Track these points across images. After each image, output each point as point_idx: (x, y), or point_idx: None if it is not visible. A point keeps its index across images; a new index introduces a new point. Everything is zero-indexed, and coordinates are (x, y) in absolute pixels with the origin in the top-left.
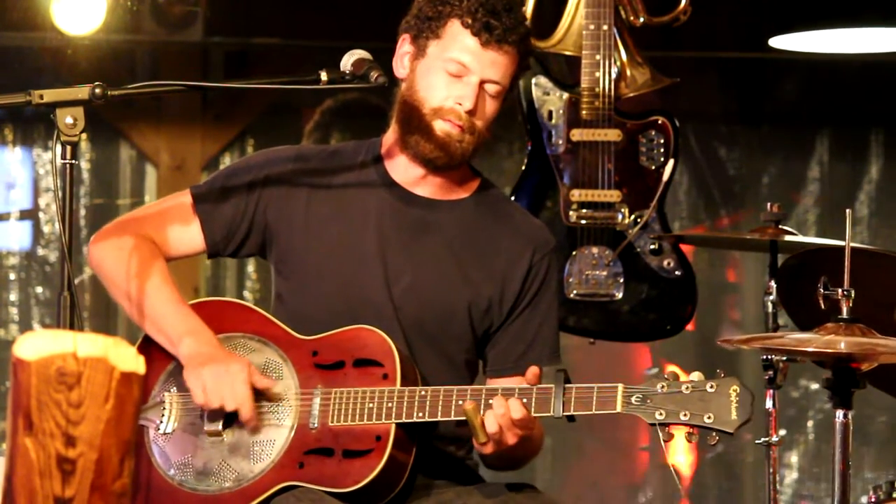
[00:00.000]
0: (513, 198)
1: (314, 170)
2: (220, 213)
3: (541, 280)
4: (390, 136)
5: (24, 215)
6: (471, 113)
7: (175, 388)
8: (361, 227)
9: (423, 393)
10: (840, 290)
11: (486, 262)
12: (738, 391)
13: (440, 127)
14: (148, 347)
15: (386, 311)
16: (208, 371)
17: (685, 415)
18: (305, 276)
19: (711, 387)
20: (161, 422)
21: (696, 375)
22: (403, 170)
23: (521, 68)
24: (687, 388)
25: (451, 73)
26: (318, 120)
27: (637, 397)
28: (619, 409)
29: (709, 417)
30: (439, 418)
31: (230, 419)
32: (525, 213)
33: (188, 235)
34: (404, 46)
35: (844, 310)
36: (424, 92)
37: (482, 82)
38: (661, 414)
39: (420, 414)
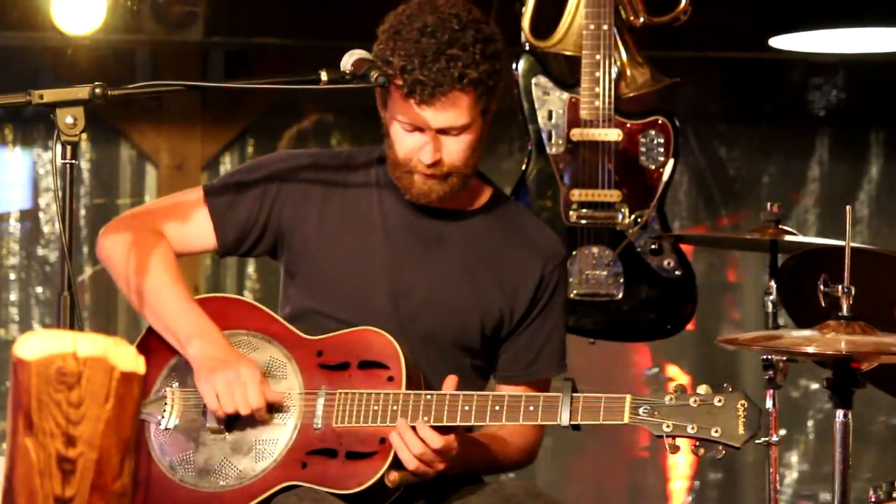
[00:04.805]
0: (513, 197)
1: (329, 176)
2: (233, 214)
3: (551, 291)
4: None
5: (24, 215)
6: (438, 163)
7: (177, 384)
8: (373, 239)
9: (428, 397)
10: (840, 288)
11: (497, 274)
12: (746, 405)
13: (417, 179)
14: (149, 342)
15: (391, 325)
16: (220, 377)
17: (692, 428)
18: (315, 282)
19: (719, 400)
20: (162, 417)
21: (704, 389)
22: None
23: (489, 90)
24: (695, 401)
25: (406, 130)
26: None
27: (645, 409)
28: (626, 420)
29: (716, 431)
30: (444, 423)
31: (233, 417)
32: (537, 223)
33: (200, 234)
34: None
35: (845, 307)
36: (394, 146)
37: (439, 131)
38: (668, 426)
39: (425, 418)
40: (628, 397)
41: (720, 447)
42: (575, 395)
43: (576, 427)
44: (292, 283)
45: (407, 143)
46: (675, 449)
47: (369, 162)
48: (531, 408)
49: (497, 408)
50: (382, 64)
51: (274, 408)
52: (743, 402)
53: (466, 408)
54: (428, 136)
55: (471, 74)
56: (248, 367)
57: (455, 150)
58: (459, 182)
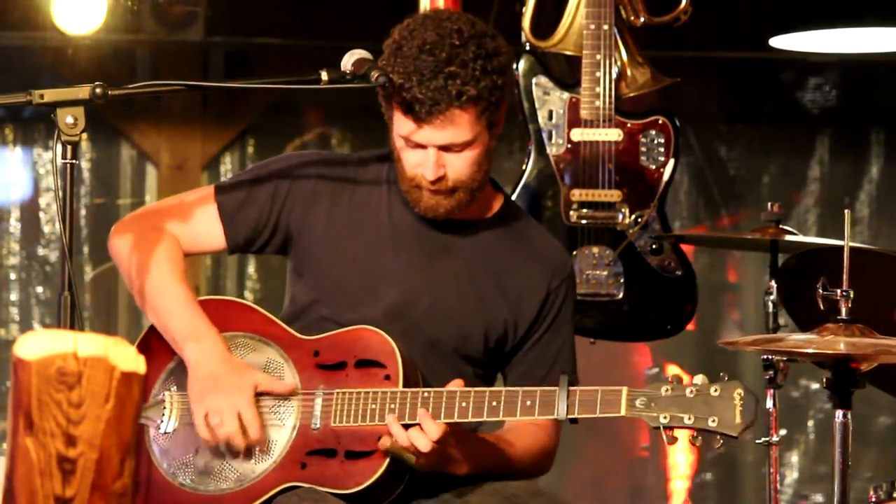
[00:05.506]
0: (513, 197)
1: (340, 178)
2: (243, 215)
3: (559, 305)
4: None
5: (25, 215)
6: (442, 178)
7: (176, 387)
8: (381, 243)
9: (425, 394)
10: (839, 291)
11: (503, 285)
12: (742, 394)
13: (425, 194)
14: (148, 346)
15: (394, 331)
16: (211, 401)
17: (689, 418)
18: (321, 283)
19: (715, 390)
20: (162, 421)
21: (700, 378)
22: None
23: (492, 105)
24: (691, 391)
25: (409, 146)
26: None
27: (641, 400)
28: (623, 412)
29: (713, 421)
30: (442, 419)
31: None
32: (544, 235)
33: (209, 233)
34: (382, 102)
35: (843, 310)
36: (400, 160)
37: (441, 148)
38: (665, 417)
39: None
40: (625, 389)
41: (718, 437)
42: (571, 388)
43: (573, 420)
44: (299, 282)
45: (410, 160)
46: (673, 440)
47: (380, 160)
48: (528, 402)
49: (494, 403)
50: None
51: (271, 406)
52: (739, 390)
53: (464, 404)
54: (429, 155)
55: (469, 92)
56: (239, 392)
57: (459, 165)
58: (466, 196)
